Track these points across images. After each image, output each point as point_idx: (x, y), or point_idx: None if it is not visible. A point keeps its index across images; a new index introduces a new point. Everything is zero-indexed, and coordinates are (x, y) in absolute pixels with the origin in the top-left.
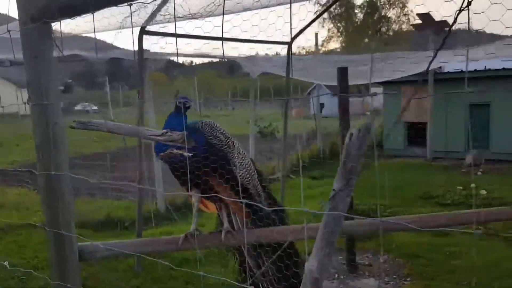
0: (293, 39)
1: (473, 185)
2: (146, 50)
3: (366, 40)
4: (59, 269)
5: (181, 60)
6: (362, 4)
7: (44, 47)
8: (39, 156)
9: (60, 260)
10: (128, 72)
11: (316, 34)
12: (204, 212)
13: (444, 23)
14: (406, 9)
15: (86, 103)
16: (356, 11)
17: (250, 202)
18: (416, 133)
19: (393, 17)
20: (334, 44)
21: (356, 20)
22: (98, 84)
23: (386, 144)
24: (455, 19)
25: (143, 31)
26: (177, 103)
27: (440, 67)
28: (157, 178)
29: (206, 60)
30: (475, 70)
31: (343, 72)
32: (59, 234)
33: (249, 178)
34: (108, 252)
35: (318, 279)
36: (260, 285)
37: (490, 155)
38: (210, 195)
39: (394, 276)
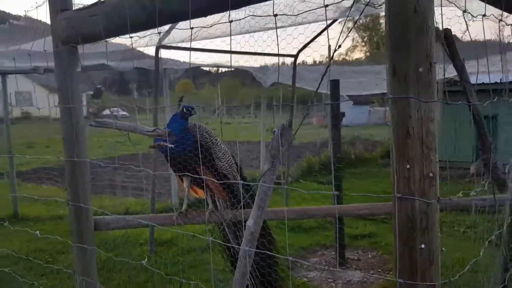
0: (299, 52)
1: (473, 192)
2: (168, 59)
3: None
4: (78, 236)
5: (207, 67)
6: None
7: (70, 64)
8: (65, 147)
9: (79, 228)
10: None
11: (329, 46)
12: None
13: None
14: None
15: (115, 108)
16: (381, 21)
17: (227, 181)
18: None
19: None
20: (359, 54)
21: (381, 29)
22: (127, 90)
23: None
24: (332, 57)
25: (159, 49)
26: (184, 109)
27: None
28: (172, 177)
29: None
30: (482, 83)
31: (335, 84)
32: (79, 207)
33: (228, 169)
34: (118, 224)
35: (253, 232)
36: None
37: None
38: (194, 175)
39: (379, 270)
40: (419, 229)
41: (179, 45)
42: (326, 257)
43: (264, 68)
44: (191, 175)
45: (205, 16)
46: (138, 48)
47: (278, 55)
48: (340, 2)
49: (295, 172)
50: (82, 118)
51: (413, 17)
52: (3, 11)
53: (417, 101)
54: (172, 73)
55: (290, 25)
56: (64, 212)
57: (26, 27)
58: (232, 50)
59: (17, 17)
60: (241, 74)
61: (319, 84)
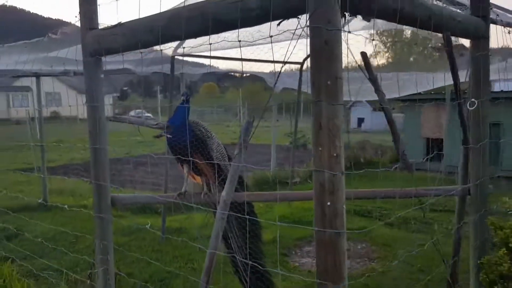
0: (305, 59)
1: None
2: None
3: (415, 56)
4: (99, 208)
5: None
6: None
7: (96, 71)
8: (91, 137)
9: (99, 201)
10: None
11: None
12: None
13: (461, 46)
14: None
15: (139, 110)
16: (404, 26)
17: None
18: (433, 148)
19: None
20: (381, 60)
21: (405, 35)
22: (152, 92)
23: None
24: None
25: (173, 58)
26: (181, 96)
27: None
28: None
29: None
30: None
31: None
32: (99, 185)
33: (221, 159)
34: (130, 200)
35: (225, 200)
36: (228, 234)
37: (500, 171)
38: (186, 158)
39: (365, 258)
40: (327, 191)
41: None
42: None
43: (275, 73)
44: (192, 167)
45: (195, 37)
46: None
47: (284, 62)
48: (282, 33)
49: (305, 173)
50: (104, 114)
51: (324, 48)
52: (56, 19)
53: (326, 104)
54: (189, 78)
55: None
56: (88, 202)
57: (62, 40)
58: (243, 58)
59: (55, 32)
60: (262, 79)
61: (274, 84)
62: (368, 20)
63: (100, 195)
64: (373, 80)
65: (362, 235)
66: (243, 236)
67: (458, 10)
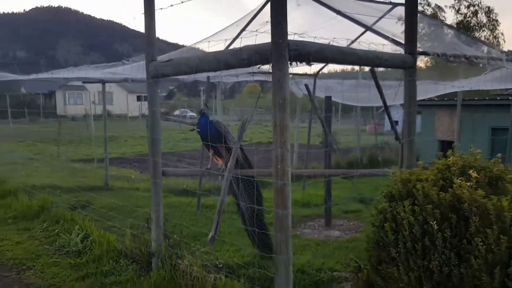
0: (318, 72)
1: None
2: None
3: (455, 64)
4: (154, 176)
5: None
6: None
7: (155, 87)
8: (150, 130)
9: (155, 171)
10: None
11: None
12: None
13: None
14: (496, 32)
15: (183, 109)
16: (445, 31)
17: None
18: (445, 150)
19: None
20: (419, 63)
21: (444, 38)
22: (197, 92)
23: (421, 158)
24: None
25: (209, 77)
26: (199, 113)
27: None
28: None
29: None
30: (496, 98)
31: (328, 99)
32: (155, 161)
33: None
34: (175, 172)
35: (230, 169)
36: (240, 201)
37: None
38: (211, 144)
39: (353, 231)
40: (278, 160)
41: None
42: (321, 222)
43: (298, 81)
44: (215, 152)
45: (214, 72)
46: None
47: (300, 74)
48: (258, 72)
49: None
50: (159, 115)
51: (278, 83)
52: (108, 20)
53: (278, 113)
54: (224, 85)
55: None
56: (140, 186)
57: (130, 64)
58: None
59: (127, 59)
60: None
61: (258, 97)
62: (310, 65)
63: (155, 167)
64: (312, 100)
65: (356, 216)
66: (247, 193)
67: (401, 48)
